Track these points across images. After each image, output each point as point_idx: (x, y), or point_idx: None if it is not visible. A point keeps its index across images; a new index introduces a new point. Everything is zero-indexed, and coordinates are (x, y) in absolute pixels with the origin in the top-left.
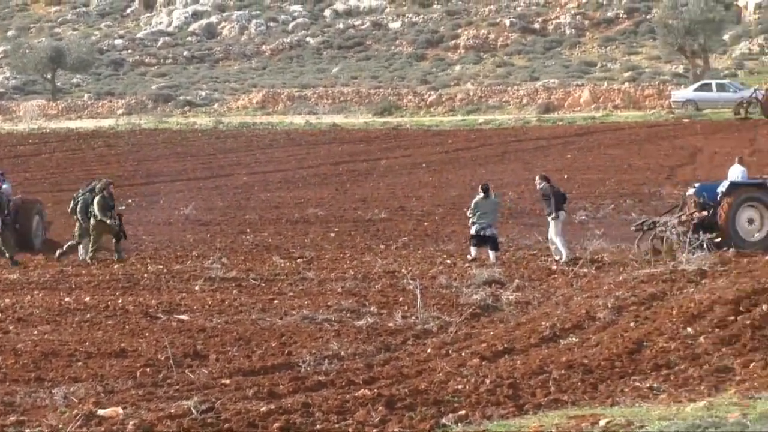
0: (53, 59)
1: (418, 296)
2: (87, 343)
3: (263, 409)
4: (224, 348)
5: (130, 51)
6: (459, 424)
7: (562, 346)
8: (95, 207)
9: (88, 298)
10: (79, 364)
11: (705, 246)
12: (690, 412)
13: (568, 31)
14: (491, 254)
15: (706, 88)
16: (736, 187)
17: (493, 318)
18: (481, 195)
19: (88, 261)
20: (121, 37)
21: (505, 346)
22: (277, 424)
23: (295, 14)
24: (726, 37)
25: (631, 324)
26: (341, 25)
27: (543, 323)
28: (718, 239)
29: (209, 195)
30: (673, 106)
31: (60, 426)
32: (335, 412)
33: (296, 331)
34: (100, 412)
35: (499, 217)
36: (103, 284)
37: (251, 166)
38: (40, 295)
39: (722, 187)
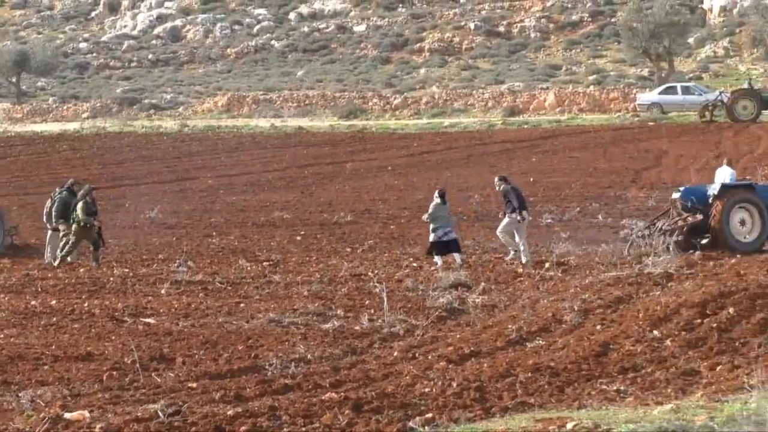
0: (18, 63)
1: (385, 299)
2: (53, 347)
3: (230, 412)
4: (191, 351)
5: (94, 54)
6: (426, 427)
7: (528, 349)
8: (79, 211)
9: (54, 302)
10: (46, 367)
11: (697, 248)
12: (657, 415)
13: (532, 35)
14: (457, 257)
15: (671, 91)
16: (727, 189)
17: (460, 321)
18: (438, 200)
19: (55, 264)
20: (85, 40)
21: (472, 349)
22: (244, 428)
23: (260, 17)
24: (691, 40)
25: (598, 327)
26: (306, 29)
27: (509, 326)
28: (704, 241)
29: (175, 198)
30: (638, 109)
31: (27, 429)
32: (302, 415)
33: (263, 335)
34: (67, 415)
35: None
36: (69, 287)
37: (217, 169)
38: (6, 298)
39: (713, 190)
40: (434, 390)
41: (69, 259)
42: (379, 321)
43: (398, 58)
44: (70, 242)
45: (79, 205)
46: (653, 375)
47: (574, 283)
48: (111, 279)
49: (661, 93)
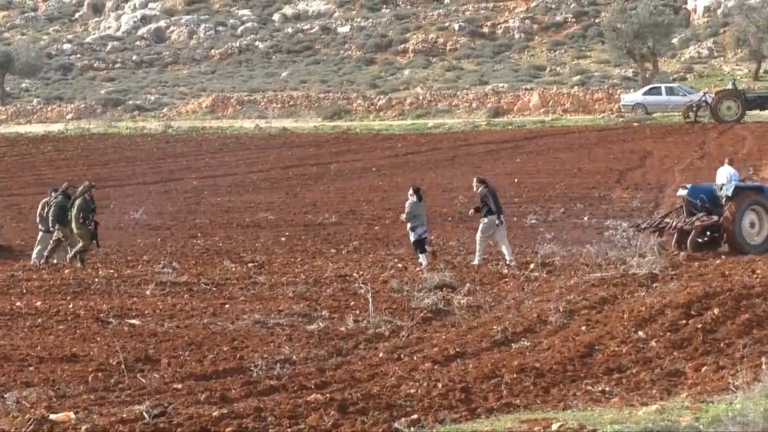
0: (2, 64)
1: (370, 300)
2: (38, 348)
3: (215, 413)
4: (176, 352)
5: (78, 55)
6: (411, 428)
7: (513, 350)
8: (74, 210)
9: (39, 303)
10: (31, 368)
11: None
12: (642, 415)
13: (517, 36)
14: (423, 257)
15: (655, 91)
16: (742, 190)
17: (445, 322)
18: (414, 198)
19: (38, 264)
20: (69, 41)
21: (457, 350)
22: (229, 429)
23: (244, 18)
24: (675, 40)
25: (583, 328)
26: (290, 30)
27: (494, 327)
28: (702, 240)
29: (159, 199)
30: (622, 110)
31: (12, 431)
32: (287, 416)
33: (248, 336)
34: (52, 416)
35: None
36: (53, 289)
37: (201, 170)
38: None
39: (726, 191)
40: (420, 391)
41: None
42: (365, 322)
43: (382, 59)
44: (80, 242)
45: (77, 202)
46: (638, 376)
47: (559, 284)
48: (96, 280)
49: (645, 94)
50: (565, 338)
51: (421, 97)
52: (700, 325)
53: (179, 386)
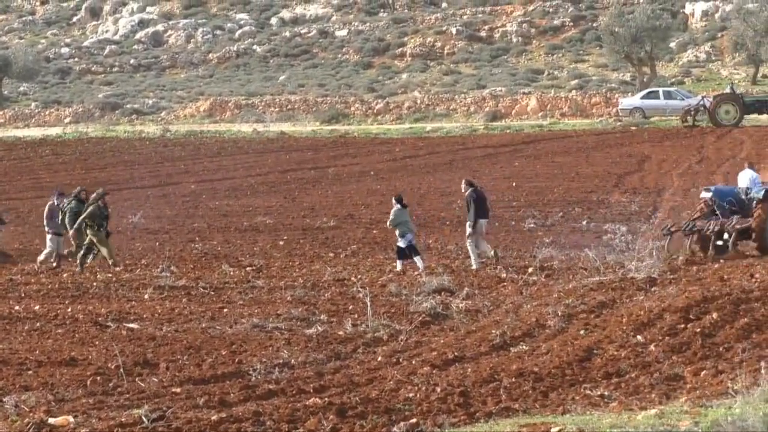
0: (0, 68)
1: (368, 304)
2: (37, 352)
3: (214, 417)
4: (174, 356)
5: (76, 59)
6: None
7: (512, 354)
8: (86, 215)
9: (37, 307)
10: (30, 372)
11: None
12: (641, 420)
13: (514, 39)
14: (399, 264)
15: (653, 95)
16: None
17: (443, 326)
18: (398, 206)
19: (116, 269)
20: (67, 45)
21: (456, 354)
22: None
23: (242, 22)
24: (673, 44)
25: (581, 332)
26: (288, 33)
27: (493, 331)
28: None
29: (157, 203)
30: (620, 114)
31: None
32: (286, 420)
33: (246, 340)
34: (51, 420)
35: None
36: (52, 293)
37: (199, 174)
38: None
39: (756, 193)
40: (418, 395)
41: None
42: (363, 326)
43: (380, 63)
44: (101, 246)
45: (90, 209)
46: (637, 380)
47: (557, 288)
48: (94, 284)
49: (643, 98)
50: (563, 342)
51: (419, 101)
52: (698, 330)
53: (178, 390)
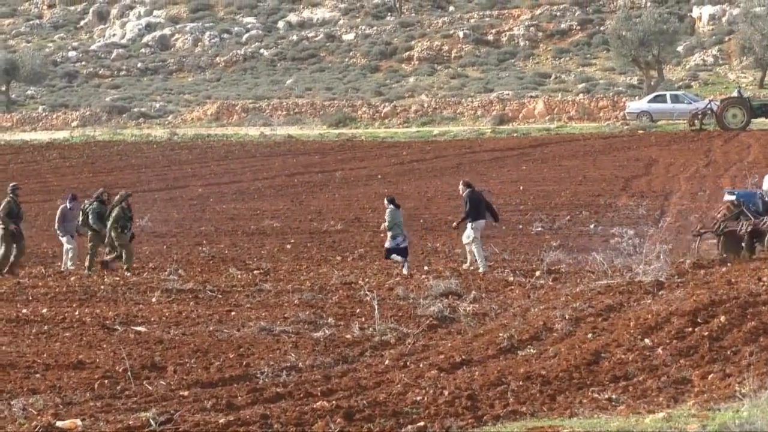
0: (7, 71)
1: (376, 308)
2: (45, 355)
3: (222, 420)
4: (182, 360)
5: (84, 63)
6: None
7: (519, 358)
8: (111, 218)
9: (45, 310)
10: (38, 375)
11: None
12: (649, 423)
13: (521, 43)
14: (405, 266)
15: (660, 99)
16: None
17: (451, 329)
18: (392, 207)
19: (128, 273)
20: (74, 49)
21: (463, 357)
22: None
23: (249, 26)
24: (680, 48)
25: (589, 335)
26: (295, 37)
27: (500, 334)
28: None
29: (165, 207)
30: (627, 118)
31: None
32: (294, 423)
33: (254, 343)
34: (59, 423)
35: None
36: (59, 296)
37: (206, 177)
38: None
39: None
40: (426, 398)
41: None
42: (370, 329)
43: (387, 67)
44: (121, 249)
45: (115, 210)
46: (645, 383)
47: (564, 292)
48: (102, 287)
49: (650, 101)
50: (571, 346)
51: (426, 105)
52: (706, 333)
53: (185, 393)
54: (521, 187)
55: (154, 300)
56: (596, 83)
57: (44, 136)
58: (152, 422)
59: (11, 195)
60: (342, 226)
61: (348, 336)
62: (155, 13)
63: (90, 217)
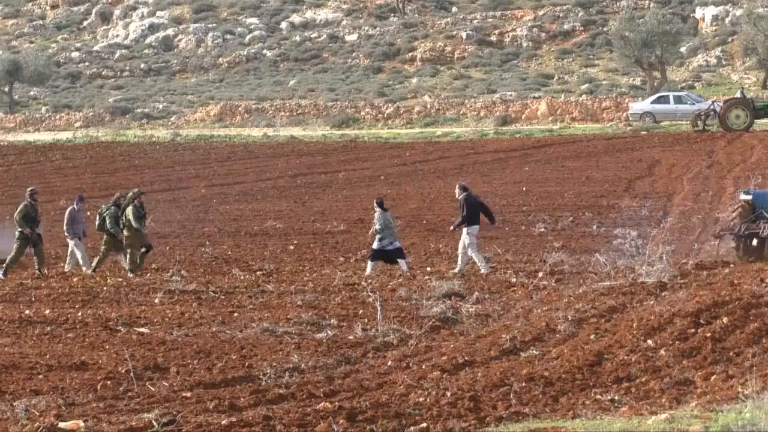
0: (10, 72)
1: (378, 309)
2: (47, 356)
3: (224, 422)
4: (185, 361)
5: (87, 64)
6: None
7: (522, 359)
8: (130, 217)
9: (47, 311)
10: (40, 376)
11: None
12: (651, 424)
13: (524, 44)
14: (403, 264)
15: (663, 100)
16: None
17: (453, 330)
18: (380, 210)
19: (130, 275)
20: (78, 49)
21: (466, 358)
22: None
23: (252, 27)
24: (683, 49)
25: (592, 336)
26: (298, 38)
27: (503, 336)
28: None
29: (167, 207)
30: (630, 119)
31: None
32: (296, 424)
33: (256, 344)
34: (62, 424)
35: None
36: (62, 297)
37: (209, 178)
38: (0, 307)
39: None
40: (428, 399)
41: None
42: (373, 330)
43: (390, 68)
44: (128, 251)
45: (129, 209)
46: (647, 384)
47: (567, 293)
48: (104, 288)
49: (653, 102)
50: (574, 347)
51: (429, 106)
52: (709, 334)
53: (188, 394)
54: (524, 188)
55: (156, 301)
56: (599, 84)
57: (47, 136)
58: (155, 423)
59: (29, 199)
60: (345, 227)
61: (351, 337)
62: (158, 13)
63: (107, 221)
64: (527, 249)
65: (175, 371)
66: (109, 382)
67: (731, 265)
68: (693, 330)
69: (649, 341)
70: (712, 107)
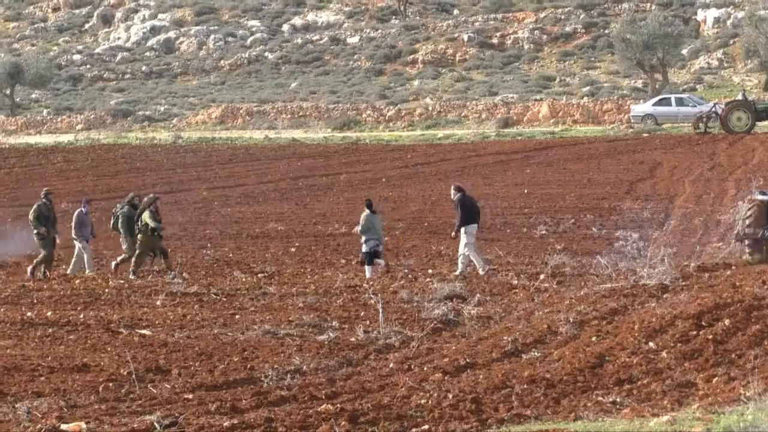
0: (12, 75)
1: (380, 311)
2: (49, 358)
3: (226, 423)
4: (186, 363)
5: (88, 66)
6: None
7: (524, 361)
8: (149, 220)
9: (49, 313)
10: (42, 378)
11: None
12: (653, 426)
13: (526, 46)
14: (368, 269)
15: (665, 102)
16: None
17: (455, 333)
18: (368, 211)
19: (132, 277)
20: (79, 52)
21: (467, 360)
22: None
23: (253, 29)
24: (685, 51)
25: (593, 338)
26: (299, 40)
27: (505, 338)
28: None
29: (169, 210)
30: (632, 121)
31: None
32: (298, 427)
33: (258, 346)
34: (64, 426)
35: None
36: (64, 299)
37: (211, 181)
38: (2, 309)
39: None
40: (430, 401)
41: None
42: (375, 332)
43: (391, 70)
44: (137, 253)
45: (146, 214)
46: (649, 387)
47: (569, 295)
48: (106, 290)
49: (655, 104)
50: (575, 349)
51: (430, 108)
52: (710, 336)
53: (190, 396)
54: (525, 191)
55: (158, 303)
56: (601, 86)
57: (49, 139)
58: (157, 425)
59: (43, 200)
60: (346, 229)
61: (352, 339)
62: (160, 16)
63: (120, 221)
64: (529, 251)
65: (177, 373)
66: (110, 384)
67: (733, 268)
68: (695, 332)
69: (651, 343)
70: (713, 109)
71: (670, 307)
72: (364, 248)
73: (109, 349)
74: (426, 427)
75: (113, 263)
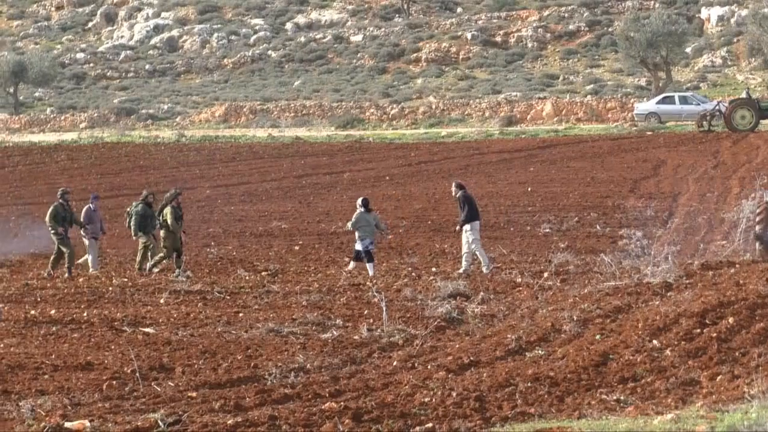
0: (15, 73)
1: (384, 309)
2: (53, 356)
3: (230, 421)
4: (190, 361)
5: (92, 65)
6: None
7: (528, 359)
8: (168, 217)
9: (53, 311)
10: (46, 376)
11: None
12: (657, 424)
13: (530, 44)
14: (352, 264)
15: (668, 100)
16: None
17: (459, 331)
18: (362, 210)
19: (147, 271)
20: (83, 50)
21: (471, 358)
22: None
23: (257, 28)
24: (688, 49)
25: (597, 337)
26: (303, 39)
27: (508, 336)
28: None
29: None
30: (635, 119)
31: None
32: (302, 424)
33: (262, 344)
34: (67, 424)
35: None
36: (68, 297)
37: (214, 179)
38: (6, 308)
39: None
40: (434, 400)
41: (156, 268)
42: (378, 331)
43: (395, 68)
44: (162, 251)
45: (168, 209)
46: (653, 385)
47: (573, 293)
48: (110, 289)
49: (658, 102)
50: (579, 347)
51: (433, 106)
52: (714, 334)
53: (194, 394)
54: (529, 189)
55: (162, 301)
56: (604, 84)
57: (52, 137)
58: (160, 423)
59: (60, 200)
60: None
61: (356, 337)
62: (163, 14)
63: (133, 219)
64: (532, 249)
65: (181, 371)
66: (114, 382)
67: (737, 266)
68: (699, 330)
69: (655, 341)
70: (717, 108)
71: (674, 305)
72: (358, 246)
73: (112, 347)
74: (430, 425)
75: (149, 265)
